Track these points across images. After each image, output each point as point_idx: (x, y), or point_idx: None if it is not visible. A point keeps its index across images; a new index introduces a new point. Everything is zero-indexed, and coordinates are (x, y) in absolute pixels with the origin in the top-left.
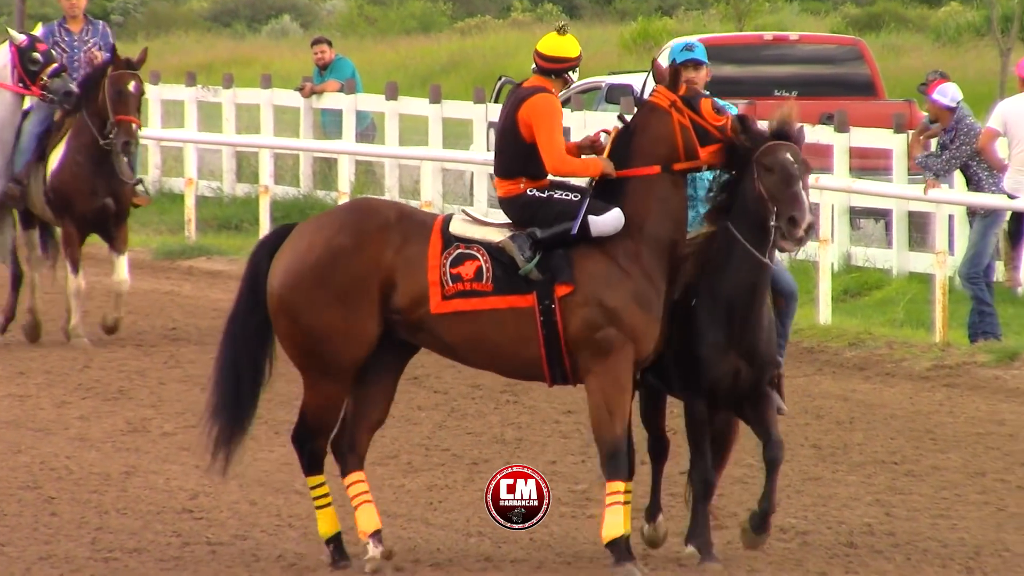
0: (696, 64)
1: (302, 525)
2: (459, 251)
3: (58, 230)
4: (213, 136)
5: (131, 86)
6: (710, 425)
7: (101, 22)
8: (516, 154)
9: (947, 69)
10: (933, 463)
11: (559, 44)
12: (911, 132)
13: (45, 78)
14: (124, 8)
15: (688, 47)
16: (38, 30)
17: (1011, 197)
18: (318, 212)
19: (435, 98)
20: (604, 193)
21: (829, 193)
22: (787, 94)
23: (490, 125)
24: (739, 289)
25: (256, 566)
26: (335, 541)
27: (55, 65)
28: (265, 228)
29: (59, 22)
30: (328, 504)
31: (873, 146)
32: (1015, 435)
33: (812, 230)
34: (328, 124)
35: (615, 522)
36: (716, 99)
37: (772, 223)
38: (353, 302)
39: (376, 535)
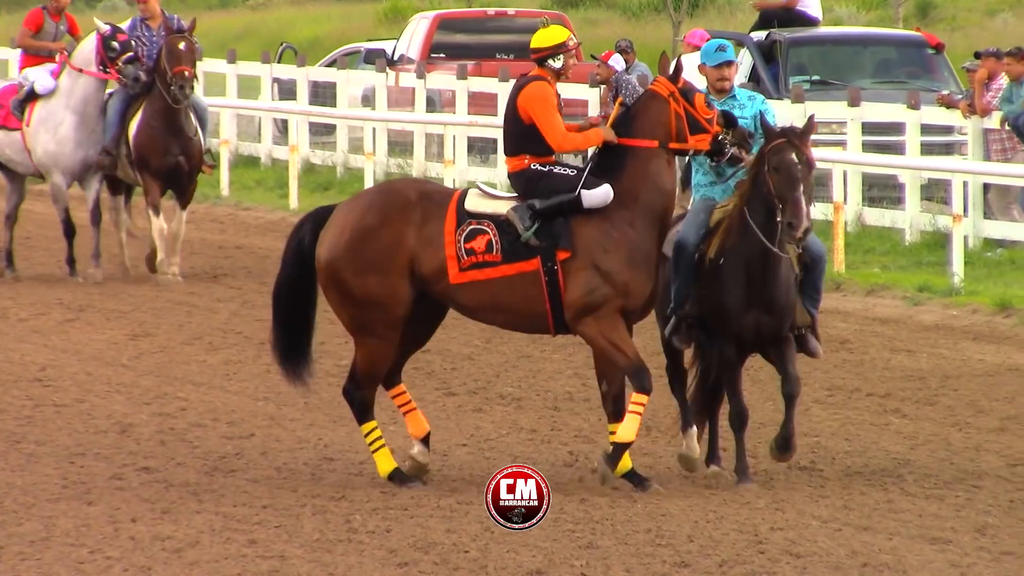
0: (728, 63)
1: (127, 391)
2: (471, 227)
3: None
4: None
5: (181, 45)
6: (738, 368)
7: (176, 16)
8: (517, 135)
9: (631, 38)
10: None
11: (539, 36)
12: (602, 87)
13: (120, 63)
14: None
15: (720, 48)
16: (125, 24)
17: None
18: None
19: (231, 60)
20: (603, 166)
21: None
22: (506, 57)
23: (274, 81)
24: (755, 256)
25: (92, 423)
26: (396, 475)
27: (130, 53)
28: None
29: (140, 18)
30: (383, 446)
31: (574, 98)
32: None
33: (809, 232)
34: None
35: (630, 427)
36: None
37: (778, 219)
38: (385, 271)
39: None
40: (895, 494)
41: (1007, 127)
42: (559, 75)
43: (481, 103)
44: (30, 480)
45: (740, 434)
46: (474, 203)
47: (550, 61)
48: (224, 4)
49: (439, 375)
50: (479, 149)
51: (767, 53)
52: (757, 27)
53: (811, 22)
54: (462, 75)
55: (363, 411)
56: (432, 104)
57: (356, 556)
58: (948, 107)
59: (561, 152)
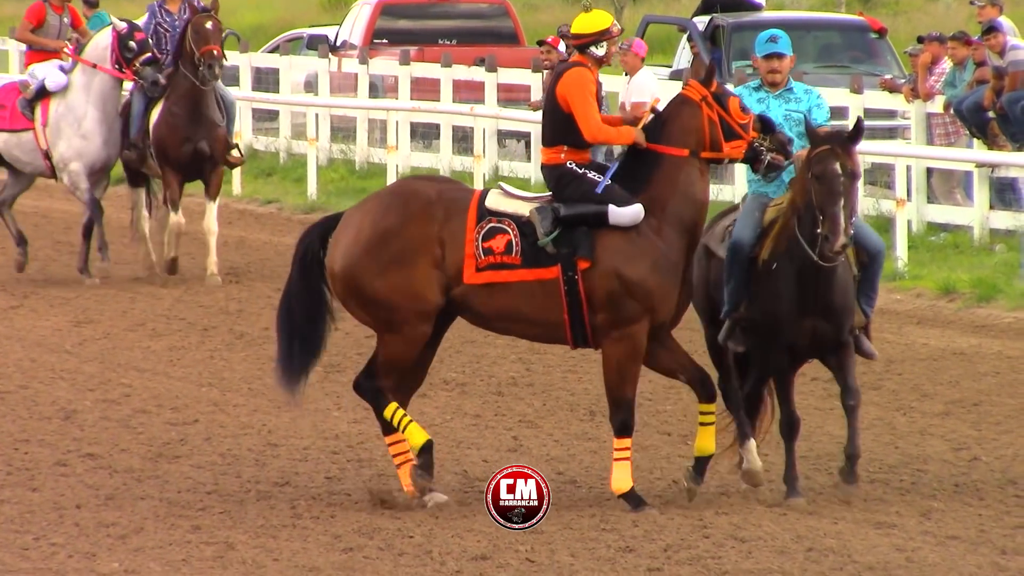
0: (780, 56)
1: (71, 377)
2: (491, 225)
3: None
4: None
5: (208, 24)
6: (791, 374)
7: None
8: (556, 123)
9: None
10: None
11: (581, 21)
12: (545, 72)
13: (138, 64)
14: None
15: (772, 38)
16: (142, 20)
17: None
18: None
19: None
20: (631, 171)
21: (487, 120)
22: (449, 43)
23: None
24: (808, 263)
25: (36, 410)
26: (427, 448)
27: (148, 55)
28: None
29: (159, 3)
30: (410, 421)
31: (517, 83)
32: None
33: (847, 247)
34: None
35: (623, 476)
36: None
37: (819, 230)
38: (412, 263)
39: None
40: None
41: (950, 112)
42: (600, 63)
43: (424, 89)
44: None
45: (791, 443)
46: (495, 201)
47: (592, 48)
48: None
49: None
50: (421, 135)
51: (710, 38)
52: (699, 12)
53: (754, 7)
54: (405, 61)
55: (378, 398)
56: (375, 90)
57: (301, 542)
58: (891, 91)
59: (593, 143)
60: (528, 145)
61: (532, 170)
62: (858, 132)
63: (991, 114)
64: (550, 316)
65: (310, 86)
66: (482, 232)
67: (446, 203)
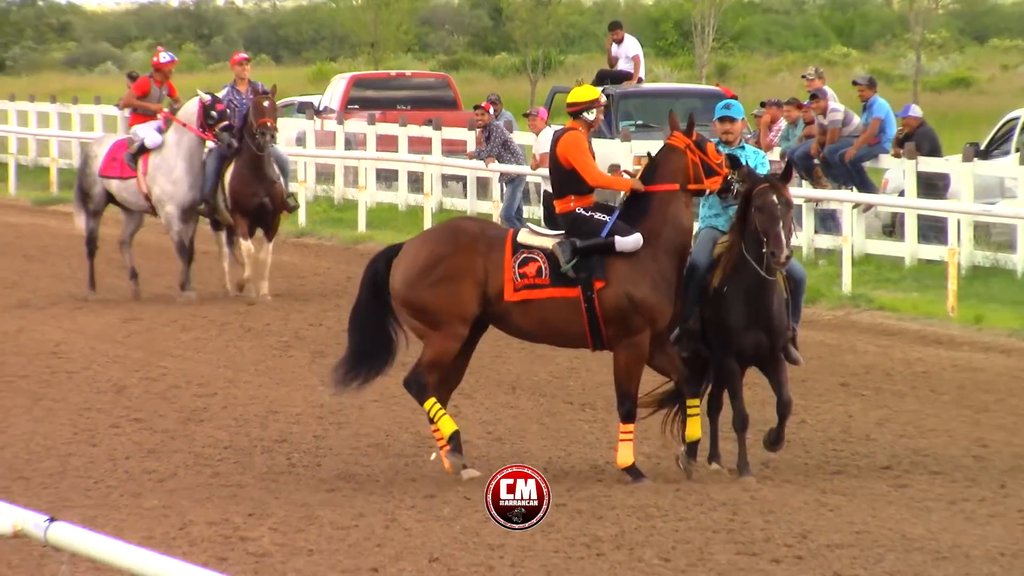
0: (731, 119)
1: (122, 361)
2: (524, 255)
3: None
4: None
5: (265, 103)
6: (740, 378)
7: (259, 83)
8: (561, 179)
9: (499, 93)
10: None
11: (575, 93)
12: (477, 130)
13: (217, 129)
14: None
15: (726, 106)
16: (222, 92)
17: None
18: None
19: None
20: (632, 209)
21: (434, 167)
22: (405, 108)
23: None
24: (753, 284)
25: (95, 385)
26: (455, 438)
27: (226, 122)
28: None
29: (232, 84)
30: (444, 413)
31: (457, 138)
32: None
33: (790, 259)
34: None
35: (626, 454)
36: (716, 141)
37: (764, 250)
38: (458, 279)
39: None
40: None
41: (785, 159)
42: (590, 126)
43: (386, 143)
44: (49, 428)
45: (742, 435)
46: (525, 237)
47: (584, 114)
48: (190, 67)
49: None
50: (384, 178)
51: (605, 106)
52: (595, 83)
53: (631, 78)
54: (371, 122)
55: (422, 392)
56: (349, 144)
57: (295, 484)
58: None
59: (596, 187)
60: (465, 186)
61: (468, 205)
62: (789, 172)
63: (816, 161)
64: (573, 327)
65: (300, 141)
66: (518, 261)
67: (488, 239)
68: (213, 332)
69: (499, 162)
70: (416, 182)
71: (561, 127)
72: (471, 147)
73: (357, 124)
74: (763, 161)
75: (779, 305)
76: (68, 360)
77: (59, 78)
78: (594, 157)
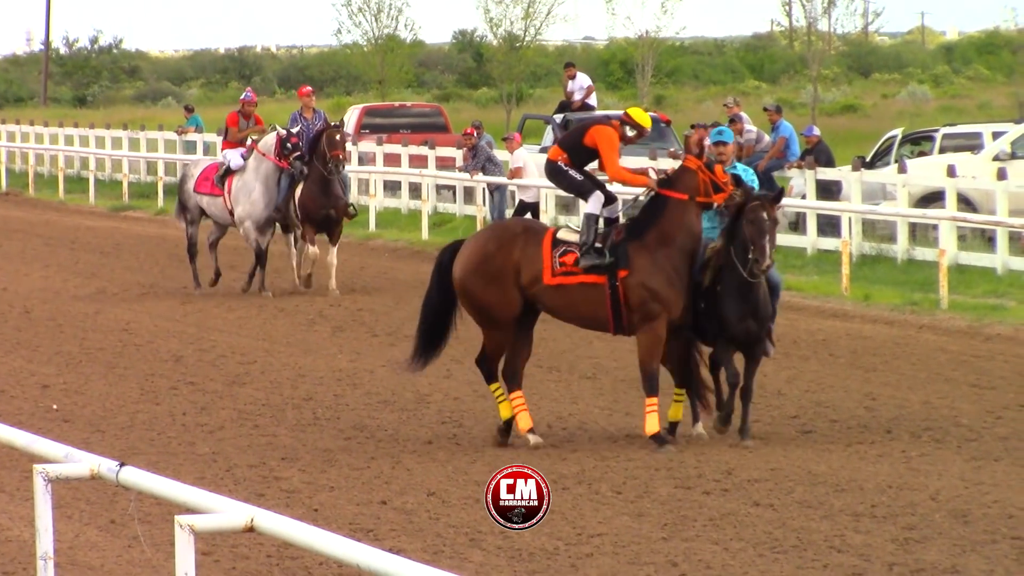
0: (724, 143)
1: (179, 336)
2: (564, 247)
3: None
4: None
5: (338, 136)
6: (732, 352)
7: (322, 111)
8: (573, 145)
9: (481, 119)
10: None
11: (637, 112)
12: (464, 149)
13: (292, 159)
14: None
15: (720, 131)
16: (289, 119)
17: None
18: None
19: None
20: (647, 214)
21: (430, 179)
22: (407, 132)
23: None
24: (744, 282)
25: (158, 355)
26: (508, 424)
27: (299, 153)
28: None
29: (299, 111)
30: (505, 399)
31: (448, 156)
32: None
33: (771, 267)
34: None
35: (652, 423)
36: (723, 163)
37: (750, 256)
38: (503, 284)
39: (531, 430)
40: None
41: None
42: (624, 138)
43: (391, 160)
44: (120, 391)
45: (733, 391)
46: (564, 234)
47: (627, 128)
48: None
49: (367, 324)
50: (389, 188)
51: (564, 127)
52: (557, 111)
53: (591, 109)
54: (379, 143)
55: (490, 376)
56: (362, 160)
57: (319, 433)
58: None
59: (614, 181)
60: (455, 194)
61: (457, 209)
62: (780, 195)
63: None
64: (599, 311)
65: None
66: (558, 252)
67: (527, 236)
68: (253, 312)
69: (484, 174)
70: (415, 191)
71: (605, 116)
72: (459, 163)
73: (368, 145)
74: (752, 177)
75: (764, 296)
76: (136, 335)
77: (129, 110)
78: (620, 156)
